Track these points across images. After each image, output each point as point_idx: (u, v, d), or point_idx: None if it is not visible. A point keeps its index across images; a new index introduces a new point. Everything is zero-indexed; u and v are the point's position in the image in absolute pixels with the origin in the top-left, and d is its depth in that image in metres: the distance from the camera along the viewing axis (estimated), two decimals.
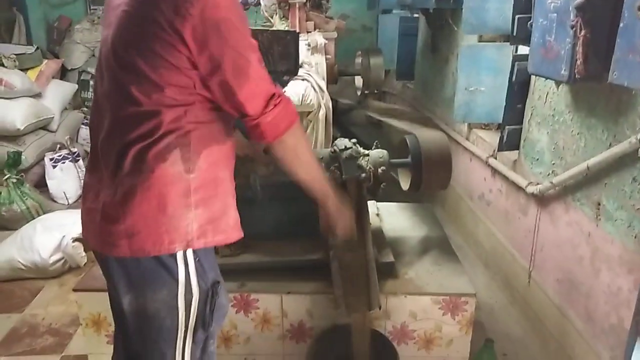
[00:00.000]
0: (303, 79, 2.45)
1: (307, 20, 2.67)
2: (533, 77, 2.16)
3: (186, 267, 1.12)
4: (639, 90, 1.49)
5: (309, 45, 2.53)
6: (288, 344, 1.78)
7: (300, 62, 2.55)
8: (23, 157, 3.26)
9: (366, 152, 1.83)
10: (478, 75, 2.54)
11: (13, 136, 3.42)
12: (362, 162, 1.78)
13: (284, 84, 1.74)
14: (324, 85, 2.55)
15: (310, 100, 2.40)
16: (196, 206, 1.09)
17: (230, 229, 1.17)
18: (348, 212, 1.44)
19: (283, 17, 2.67)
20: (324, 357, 1.66)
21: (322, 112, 2.48)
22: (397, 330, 1.75)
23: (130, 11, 1.05)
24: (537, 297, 2.18)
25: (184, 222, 1.08)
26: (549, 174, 2.08)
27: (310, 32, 2.71)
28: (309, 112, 2.43)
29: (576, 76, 1.52)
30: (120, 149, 1.06)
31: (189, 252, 1.11)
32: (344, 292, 1.61)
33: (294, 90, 2.37)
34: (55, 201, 3.51)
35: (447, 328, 1.74)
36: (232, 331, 1.76)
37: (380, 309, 1.62)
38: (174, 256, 1.09)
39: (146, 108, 1.04)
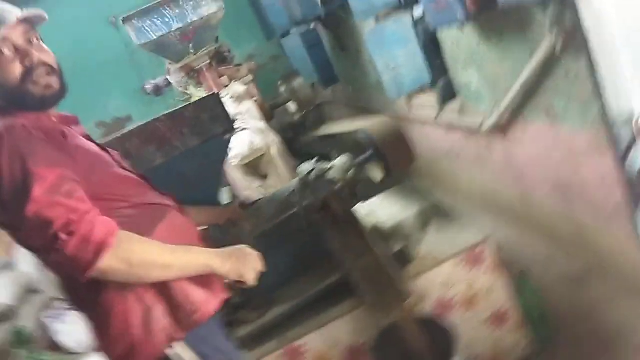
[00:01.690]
0: (242, 129, 2.50)
1: (220, 77, 2.73)
2: (437, 30, 2.28)
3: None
4: (530, 4, 1.60)
5: (231, 97, 2.59)
6: None
7: (232, 116, 2.62)
8: (27, 331, 3.15)
9: (330, 164, 1.89)
10: (391, 52, 2.65)
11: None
12: (330, 175, 1.84)
13: (226, 144, 1.78)
14: (263, 124, 2.61)
15: (257, 144, 2.45)
16: None
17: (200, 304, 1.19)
18: (240, 254, 1.25)
19: (197, 84, 2.73)
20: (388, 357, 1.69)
21: (273, 150, 2.53)
22: (437, 306, 1.78)
23: None
24: (540, 214, 2.26)
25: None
26: (494, 105, 2.18)
27: (227, 86, 2.77)
28: (262, 155, 2.47)
29: (471, 13, 1.62)
30: None
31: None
32: (374, 297, 1.65)
33: (240, 143, 2.42)
34: (74, 352, 3.40)
35: (479, 281, 1.79)
36: None
37: (411, 296, 1.66)
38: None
39: None
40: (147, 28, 2.36)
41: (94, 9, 3.98)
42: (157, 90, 2.93)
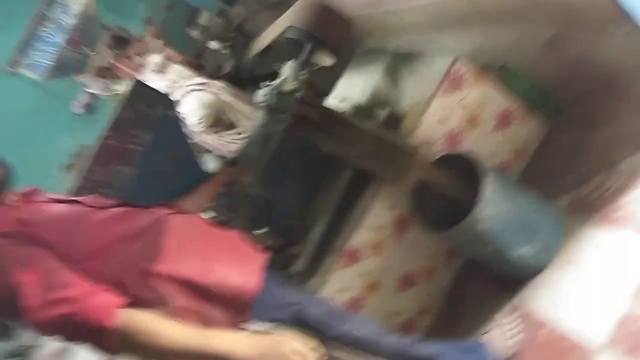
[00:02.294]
0: (185, 95, 2.39)
1: (131, 60, 2.57)
2: None
3: None
4: None
5: (154, 72, 2.45)
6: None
7: (165, 90, 2.50)
8: None
9: (280, 78, 1.82)
10: None
11: None
12: (287, 88, 1.77)
13: (176, 118, 1.72)
14: (199, 79, 2.49)
15: (207, 99, 2.35)
16: None
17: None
18: (273, 348, 1.08)
19: (117, 79, 2.58)
20: (427, 210, 1.74)
21: (224, 96, 2.43)
22: (446, 141, 1.80)
23: None
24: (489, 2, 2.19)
25: None
26: None
27: (143, 64, 2.61)
28: (218, 107, 2.38)
29: None
30: None
31: None
32: (389, 170, 1.66)
33: (191, 108, 2.33)
34: None
35: (470, 98, 1.78)
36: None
37: (419, 148, 1.68)
38: None
39: None
40: (38, 59, 2.19)
41: None
42: (89, 108, 2.79)
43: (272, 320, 1.25)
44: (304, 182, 1.89)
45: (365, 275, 1.83)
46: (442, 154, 1.75)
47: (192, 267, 1.17)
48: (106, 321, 0.98)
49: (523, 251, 1.63)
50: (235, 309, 1.20)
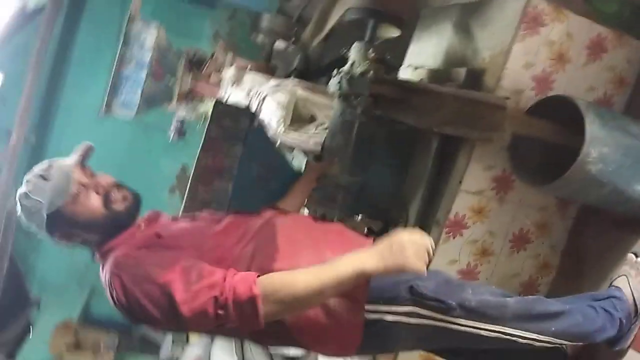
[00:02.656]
0: (263, 101, 2.47)
1: (210, 79, 2.70)
2: None
3: None
4: None
5: (232, 85, 2.55)
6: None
7: (245, 100, 2.59)
8: None
9: (349, 62, 1.81)
10: None
11: None
12: (357, 70, 1.76)
13: (261, 126, 1.79)
14: (273, 81, 2.55)
15: (283, 100, 2.41)
16: None
17: None
18: (397, 245, 1.11)
19: (200, 100, 2.73)
20: (528, 164, 1.65)
21: (299, 92, 2.46)
22: (536, 86, 1.68)
23: None
24: None
25: None
26: None
27: (221, 80, 2.72)
28: (296, 104, 2.43)
29: None
30: None
31: None
32: (479, 129, 1.59)
33: (270, 113, 2.40)
34: None
35: (554, 33, 1.65)
36: None
37: (507, 99, 1.59)
38: None
39: None
40: (127, 98, 2.39)
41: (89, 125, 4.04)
42: (181, 132, 2.99)
43: (390, 299, 1.27)
44: (393, 160, 1.87)
45: (474, 242, 1.78)
46: (535, 101, 1.65)
47: (307, 260, 1.22)
48: (254, 289, 1.04)
49: None
50: (352, 294, 1.22)
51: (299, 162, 2.56)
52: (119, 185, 1.32)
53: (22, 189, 1.26)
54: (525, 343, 1.35)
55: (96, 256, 1.30)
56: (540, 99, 1.63)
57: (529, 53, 1.65)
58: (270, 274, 1.10)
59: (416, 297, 1.27)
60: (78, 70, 4.30)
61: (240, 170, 1.61)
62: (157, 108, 2.73)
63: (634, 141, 1.47)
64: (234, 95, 2.61)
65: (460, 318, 1.30)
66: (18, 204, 1.27)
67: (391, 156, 1.87)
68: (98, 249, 1.29)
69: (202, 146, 1.61)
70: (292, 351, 3.85)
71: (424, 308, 1.28)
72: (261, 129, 1.83)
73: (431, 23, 2.13)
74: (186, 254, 1.17)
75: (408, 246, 1.09)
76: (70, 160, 1.30)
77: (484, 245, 1.79)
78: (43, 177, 1.24)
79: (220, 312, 1.05)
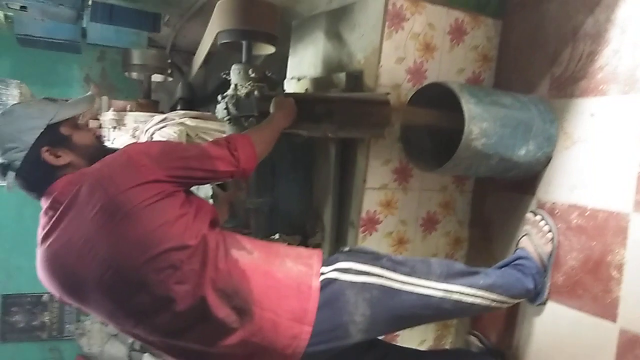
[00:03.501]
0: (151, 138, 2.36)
1: (88, 129, 2.53)
2: None
3: None
4: None
5: (113, 129, 2.42)
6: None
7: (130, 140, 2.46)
8: None
9: (231, 85, 1.79)
10: None
11: None
12: (242, 91, 1.74)
13: None
14: (158, 116, 2.45)
15: (173, 133, 2.32)
16: None
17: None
18: (281, 105, 1.63)
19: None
20: (421, 151, 1.74)
21: (189, 121, 2.39)
22: (414, 74, 1.77)
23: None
24: None
25: None
26: None
27: (100, 126, 2.56)
28: (187, 135, 2.36)
29: None
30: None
31: None
32: (367, 127, 1.65)
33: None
34: None
35: (417, 22, 1.75)
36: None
37: (387, 94, 1.66)
38: None
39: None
40: None
41: None
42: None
43: (331, 262, 1.35)
44: (298, 173, 1.88)
45: (389, 234, 1.83)
46: (413, 91, 1.73)
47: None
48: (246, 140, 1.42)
49: (525, 149, 1.62)
50: (308, 259, 1.33)
51: (205, 190, 2.48)
52: None
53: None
54: (470, 303, 1.38)
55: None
56: (417, 89, 1.71)
57: (399, 48, 1.73)
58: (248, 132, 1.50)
59: (351, 252, 1.38)
60: None
61: None
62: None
63: (508, 111, 1.60)
64: (119, 139, 2.47)
65: (394, 272, 1.33)
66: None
67: (295, 170, 1.88)
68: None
69: None
70: None
71: (357, 261, 1.32)
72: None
73: (304, 33, 2.16)
74: None
75: (286, 104, 1.62)
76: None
77: (399, 235, 1.86)
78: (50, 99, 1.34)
79: (233, 151, 1.34)
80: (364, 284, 1.30)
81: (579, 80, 1.63)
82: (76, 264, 1.16)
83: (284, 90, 2.20)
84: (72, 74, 4.10)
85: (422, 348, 1.99)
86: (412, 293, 1.33)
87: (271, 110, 1.62)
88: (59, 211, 1.17)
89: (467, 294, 1.38)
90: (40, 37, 3.27)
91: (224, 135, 1.49)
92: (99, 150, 1.31)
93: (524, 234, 1.67)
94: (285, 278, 1.25)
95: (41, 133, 1.21)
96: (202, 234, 1.20)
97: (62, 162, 1.23)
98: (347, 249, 1.42)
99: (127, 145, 1.26)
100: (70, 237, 1.16)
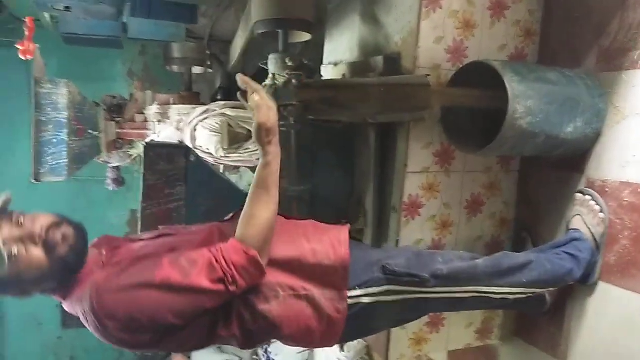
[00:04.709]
0: (194, 131, 2.41)
1: (134, 121, 2.61)
2: None
3: None
4: None
5: (158, 123, 2.48)
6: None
7: (176, 131, 2.53)
8: None
9: (269, 75, 1.80)
10: None
11: None
12: (280, 80, 1.75)
13: (198, 161, 1.74)
14: (200, 108, 2.50)
15: (216, 124, 2.36)
16: None
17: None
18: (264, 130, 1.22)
19: (130, 145, 2.64)
20: (462, 132, 1.70)
21: (229, 111, 2.42)
22: (454, 53, 1.73)
23: None
24: None
25: None
26: None
27: (146, 119, 2.64)
28: (228, 126, 2.39)
29: None
30: None
31: None
32: (409, 111, 1.63)
33: (205, 141, 2.35)
34: None
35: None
36: None
37: (428, 76, 1.63)
38: None
39: None
40: (54, 163, 2.27)
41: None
42: (119, 181, 2.89)
43: (365, 282, 1.30)
44: (338, 160, 1.88)
45: (432, 218, 1.82)
46: (454, 72, 1.69)
47: (285, 249, 1.26)
48: (249, 252, 1.14)
49: (573, 126, 1.57)
50: (334, 280, 1.26)
51: (248, 178, 2.53)
52: (55, 223, 1.18)
53: None
54: (500, 298, 1.40)
55: (60, 298, 1.22)
56: (458, 69, 1.68)
57: (437, 27, 1.69)
58: (239, 234, 1.17)
59: (389, 275, 1.31)
60: None
61: (188, 210, 1.58)
62: (88, 163, 2.62)
63: (554, 87, 1.55)
64: (164, 132, 2.54)
65: (435, 287, 1.33)
66: None
67: (335, 156, 1.89)
68: (62, 291, 1.21)
69: (142, 196, 1.57)
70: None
71: (399, 285, 1.31)
72: (199, 161, 1.79)
73: (340, 18, 2.15)
74: (164, 256, 1.15)
75: (264, 127, 1.19)
76: None
77: (442, 218, 1.84)
78: None
79: (230, 287, 1.12)
80: (401, 300, 1.32)
81: (629, 51, 1.55)
82: None
83: (321, 77, 2.20)
84: (116, 69, 4.23)
85: (470, 331, 1.98)
86: (450, 299, 1.35)
87: (253, 112, 1.25)
88: None
89: (508, 293, 1.38)
90: (84, 34, 3.39)
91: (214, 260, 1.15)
92: (53, 266, 1.17)
93: (575, 214, 1.62)
94: (314, 313, 1.24)
95: None
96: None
97: (35, 293, 1.21)
98: (391, 269, 1.33)
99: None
100: None
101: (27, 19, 2.38)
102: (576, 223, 1.60)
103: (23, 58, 2.34)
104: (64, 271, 1.18)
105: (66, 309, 1.21)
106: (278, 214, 1.25)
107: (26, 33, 2.32)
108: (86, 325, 1.15)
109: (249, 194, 1.22)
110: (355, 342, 3.02)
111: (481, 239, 1.91)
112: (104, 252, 1.23)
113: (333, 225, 1.42)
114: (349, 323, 1.27)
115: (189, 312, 1.11)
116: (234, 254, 1.13)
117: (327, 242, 1.30)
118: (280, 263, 1.23)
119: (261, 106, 1.19)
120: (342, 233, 1.34)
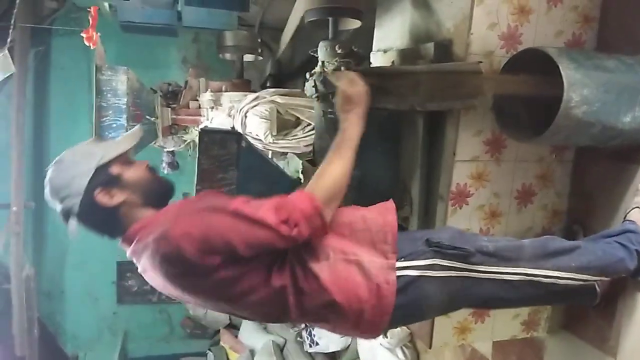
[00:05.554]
0: (245, 117, 2.48)
1: (188, 108, 2.70)
2: None
3: None
4: None
5: (212, 109, 2.56)
6: None
7: (229, 117, 2.60)
8: None
9: (318, 62, 1.82)
10: None
11: None
12: (330, 67, 1.77)
13: (249, 145, 1.80)
14: (251, 95, 2.56)
15: (265, 111, 2.42)
16: None
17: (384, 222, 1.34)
18: (352, 100, 1.37)
19: (184, 130, 2.74)
20: (514, 121, 1.67)
21: (278, 99, 2.47)
22: (508, 39, 1.69)
23: None
24: None
25: None
26: None
27: (200, 106, 2.73)
28: (278, 113, 2.44)
29: None
30: None
31: None
32: (460, 97, 1.61)
33: (255, 127, 2.41)
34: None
35: None
36: None
37: (479, 62, 1.60)
38: None
39: None
40: None
41: None
42: (174, 165, 3.01)
43: (410, 254, 1.31)
44: (385, 147, 1.89)
45: (481, 207, 1.80)
46: (507, 58, 1.66)
47: (337, 214, 1.28)
48: (315, 202, 1.17)
49: (631, 116, 1.51)
50: (382, 246, 1.28)
51: (295, 165, 2.58)
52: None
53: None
54: (550, 282, 1.36)
55: (126, 237, 1.26)
56: (512, 56, 1.64)
57: (491, 13, 1.66)
58: (308, 187, 1.22)
59: (434, 247, 1.32)
60: (59, 126, 4.32)
61: (239, 194, 1.63)
62: (145, 148, 2.75)
63: (612, 75, 1.49)
64: (217, 119, 2.62)
65: (481, 265, 1.32)
66: (52, 166, 1.27)
67: (382, 143, 1.89)
68: (134, 219, 1.26)
69: (197, 179, 1.64)
70: (332, 347, 3.91)
71: (444, 258, 1.31)
72: (250, 147, 1.85)
73: (390, 4, 2.13)
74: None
75: (344, 95, 1.36)
76: None
77: (492, 208, 1.82)
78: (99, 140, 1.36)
79: (293, 231, 1.13)
80: (447, 277, 1.31)
81: None
82: None
83: (370, 64, 2.20)
84: (170, 56, 4.38)
85: (516, 322, 1.95)
86: (498, 280, 1.32)
87: (336, 82, 1.44)
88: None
89: (557, 277, 1.35)
90: (141, 22, 3.53)
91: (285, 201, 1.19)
92: (152, 183, 1.32)
93: (634, 207, 1.57)
94: (364, 280, 1.24)
95: (92, 176, 1.22)
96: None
97: (117, 201, 1.24)
98: (435, 240, 1.34)
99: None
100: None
101: (91, 9, 2.50)
102: (634, 215, 1.55)
103: (88, 45, 2.47)
104: (153, 192, 1.30)
105: (128, 254, 1.26)
106: None
107: (90, 22, 2.44)
108: (148, 267, 1.18)
109: (336, 156, 1.28)
110: (399, 328, 3.04)
111: (531, 230, 1.88)
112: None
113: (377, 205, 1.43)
114: (397, 300, 1.26)
115: (256, 245, 1.14)
116: (301, 202, 1.17)
117: (375, 210, 1.35)
118: (332, 227, 1.26)
119: (343, 77, 1.36)
120: (389, 203, 1.39)
